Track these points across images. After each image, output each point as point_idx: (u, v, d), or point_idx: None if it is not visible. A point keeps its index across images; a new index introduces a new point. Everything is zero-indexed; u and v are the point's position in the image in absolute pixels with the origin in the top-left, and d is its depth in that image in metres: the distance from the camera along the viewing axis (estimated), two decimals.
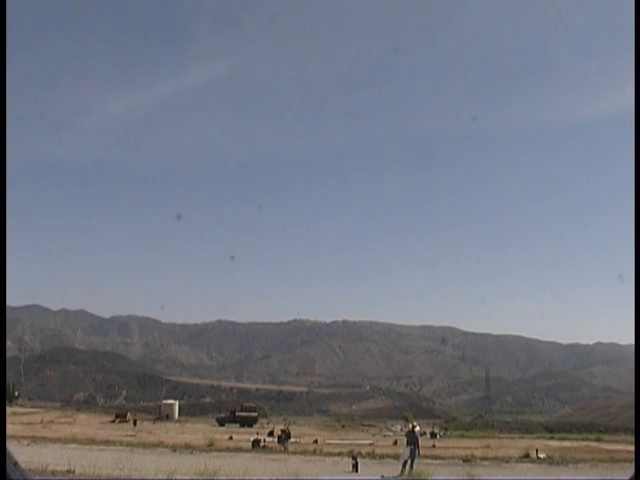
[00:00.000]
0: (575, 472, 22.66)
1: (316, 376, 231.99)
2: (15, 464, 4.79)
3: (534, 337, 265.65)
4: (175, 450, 26.36)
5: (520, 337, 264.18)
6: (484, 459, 25.51)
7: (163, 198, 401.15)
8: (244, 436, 40.42)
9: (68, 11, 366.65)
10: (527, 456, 28.42)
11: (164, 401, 76.62)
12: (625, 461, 22.85)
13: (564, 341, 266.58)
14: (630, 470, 7.12)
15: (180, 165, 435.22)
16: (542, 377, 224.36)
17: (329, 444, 36.44)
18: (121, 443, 30.51)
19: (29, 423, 47.07)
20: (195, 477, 15.45)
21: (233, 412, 62.42)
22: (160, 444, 30.18)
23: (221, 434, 42.80)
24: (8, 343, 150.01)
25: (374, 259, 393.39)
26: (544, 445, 38.52)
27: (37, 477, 13.27)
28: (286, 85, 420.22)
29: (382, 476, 19.44)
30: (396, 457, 23.06)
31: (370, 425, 72.45)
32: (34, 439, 29.29)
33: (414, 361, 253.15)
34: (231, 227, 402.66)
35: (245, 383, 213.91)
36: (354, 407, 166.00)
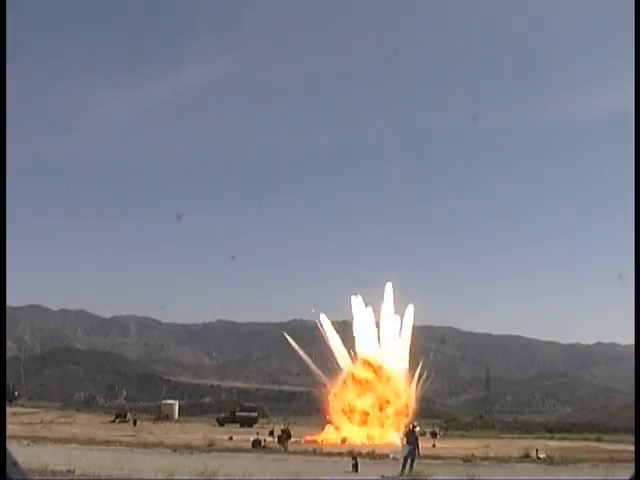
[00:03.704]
0: (575, 472, 22.65)
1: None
2: (15, 464, 4.79)
3: (534, 337, 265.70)
4: (175, 450, 26.34)
5: (520, 337, 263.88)
6: (484, 459, 25.49)
7: (163, 198, 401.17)
8: (244, 436, 40.43)
9: (68, 11, 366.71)
10: (527, 456, 28.41)
11: (164, 401, 76.63)
12: (625, 461, 22.82)
13: (564, 341, 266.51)
14: (630, 470, 7.10)
15: (180, 165, 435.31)
16: (542, 377, 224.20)
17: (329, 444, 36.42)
18: (121, 443, 30.51)
19: (29, 423, 47.06)
20: (195, 477, 15.45)
21: (233, 412, 62.45)
22: (160, 444, 30.18)
23: (221, 434, 42.84)
24: (8, 343, 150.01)
25: (374, 259, 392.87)
26: (544, 445, 38.51)
27: (37, 477, 13.26)
28: (286, 85, 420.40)
29: (382, 476, 19.45)
30: (396, 457, 23.06)
31: None
32: (34, 439, 29.26)
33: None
34: (231, 227, 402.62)
35: (245, 383, 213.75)
36: None
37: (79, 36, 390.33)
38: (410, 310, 55.56)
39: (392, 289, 54.44)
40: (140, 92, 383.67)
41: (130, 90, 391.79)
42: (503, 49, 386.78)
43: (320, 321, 53.51)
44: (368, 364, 53.00)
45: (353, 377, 52.43)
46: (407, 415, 50.31)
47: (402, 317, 54.42)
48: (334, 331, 53.77)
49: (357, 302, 54.36)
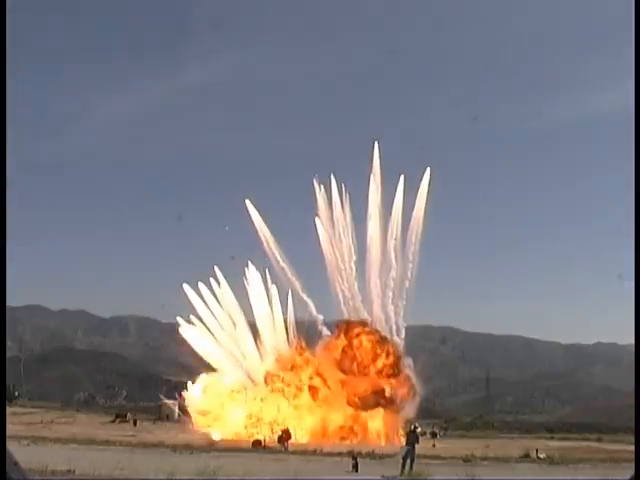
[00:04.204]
0: (575, 472, 22.65)
1: None
2: (15, 464, 4.79)
3: (534, 337, 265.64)
4: (175, 450, 26.36)
5: (520, 337, 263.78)
6: (484, 459, 25.50)
7: (163, 198, 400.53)
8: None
9: (68, 11, 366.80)
10: (527, 456, 28.46)
11: (164, 401, 76.51)
12: (625, 461, 22.82)
13: (564, 341, 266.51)
14: (630, 470, 7.11)
15: (180, 165, 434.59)
16: (542, 377, 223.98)
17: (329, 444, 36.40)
18: (121, 443, 30.54)
19: (29, 423, 47.10)
20: (195, 477, 15.45)
21: None
22: (160, 444, 30.20)
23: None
24: (8, 343, 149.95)
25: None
26: (544, 445, 38.56)
27: (37, 477, 13.26)
28: (286, 85, 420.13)
29: (382, 476, 19.45)
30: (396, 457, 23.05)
31: None
32: (34, 439, 29.28)
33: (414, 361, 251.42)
34: (231, 226, 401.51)
35: None
36: None
37: (78, 36, 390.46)
38: (426, 176, 51.21)
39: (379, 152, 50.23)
40: (140, 92, 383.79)
41: (130, 90, 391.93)
42: (503, 49, 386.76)
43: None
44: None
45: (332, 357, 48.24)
46: (397, 409, 47.17)
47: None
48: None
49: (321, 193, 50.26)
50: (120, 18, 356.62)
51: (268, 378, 48.57)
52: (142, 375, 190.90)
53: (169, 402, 72.84)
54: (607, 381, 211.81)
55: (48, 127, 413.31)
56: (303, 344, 50.36)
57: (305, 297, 51.08)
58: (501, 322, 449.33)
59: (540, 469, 23.59)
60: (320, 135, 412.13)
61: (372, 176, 51.14)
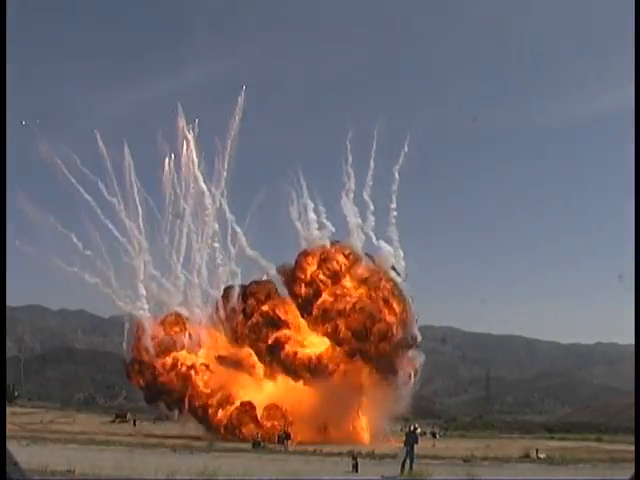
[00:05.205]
0: (575, 472, 22.64)
1: None
2: (15, 464, 4.80)
3: (534, 337, 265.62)
4: (175, 450, 26.37)
5: (520, 337, 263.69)
6: (484, 459, 25.49)
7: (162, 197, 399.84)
8: None
9: (67, 10, 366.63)
10: (527, 456, 28.44)
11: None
12: (625, 461, 22.81)
13: (564, 341, 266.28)
14: (630, 470, 7.11)
15: None
16: (542, 377, 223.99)
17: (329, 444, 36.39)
18: (121, 443, 30.55)
19: (29, 423, 47.14)
20: (195, 477, 15.46)
21: None
22: (160, 444, 30.21)
23: None
24: (8, 343, 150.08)
25: None
26: (544, 445, 38.55)
27: (37, 477, 13.28)
28: (286, 84, 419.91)
29: (382, 476, 19.45)
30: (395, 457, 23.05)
31: None
32: (34, 439, 29.30)
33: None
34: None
35: None
36: None
37: (78, 35, 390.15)
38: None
39: None
40: (140, 92, 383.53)
41: (130, 90, 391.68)
42: (503, 49, 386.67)
43: None
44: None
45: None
46: None
47: None
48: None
49: None
50: (119, 17, 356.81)
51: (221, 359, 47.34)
52: None
53: None
54: (607, 381, 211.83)
55: (46, 127, 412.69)
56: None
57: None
58: (501, 322, 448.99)
59: (540, 469, 23.57)
60: (319, 135, 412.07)
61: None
